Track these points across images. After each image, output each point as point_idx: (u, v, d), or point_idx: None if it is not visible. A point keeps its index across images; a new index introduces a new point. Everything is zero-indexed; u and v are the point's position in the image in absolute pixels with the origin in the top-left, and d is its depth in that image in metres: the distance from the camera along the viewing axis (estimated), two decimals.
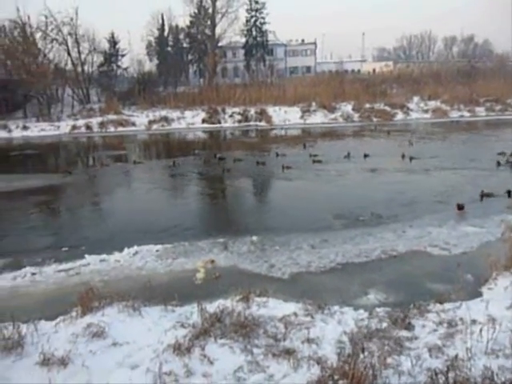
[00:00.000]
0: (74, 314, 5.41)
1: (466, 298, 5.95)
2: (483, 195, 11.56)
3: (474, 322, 5.04)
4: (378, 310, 5.72)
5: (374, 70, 57.27)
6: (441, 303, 5.73)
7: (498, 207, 10.75)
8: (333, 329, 5.13)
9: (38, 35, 39.80)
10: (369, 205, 11.32)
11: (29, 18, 38.51)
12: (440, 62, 59.99)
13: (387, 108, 34.42)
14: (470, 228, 9.42)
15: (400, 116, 33.85)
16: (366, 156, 17.99)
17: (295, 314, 5.44)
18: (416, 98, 36.77)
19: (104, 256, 8.33)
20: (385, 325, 5.18)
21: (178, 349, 4.49)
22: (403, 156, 17.42)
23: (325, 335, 4.93)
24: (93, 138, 30.57)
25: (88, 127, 32.62)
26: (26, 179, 16.72)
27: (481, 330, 4.50)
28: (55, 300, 6.61)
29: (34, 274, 7.73)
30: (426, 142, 22.49)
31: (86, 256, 8.34)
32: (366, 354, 4.23)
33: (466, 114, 34.15)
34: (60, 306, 6.08)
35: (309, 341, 4.77)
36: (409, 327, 5.09)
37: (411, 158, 17.01)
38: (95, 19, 71.31)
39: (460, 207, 10.53)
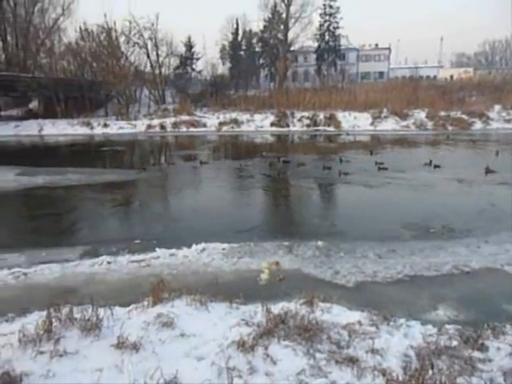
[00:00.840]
0: (145, 303, 5.73)
1: None
2: None
3: None
4: (447, 326, 5.47)
5: (451, 77, 54.55)
6: None
7: None
8: (398, 341, 4.98)
9: (121, 39, 42.53)
10: (437, 217, 10.83)
11: (114, 23, 41.27)
12: None
13: (464, 116, 32.71)
14: None
15: (478, 125, 32.02)
16: (436, 167, 17.20)
17: (359, 323, 5.35)
18: (497, 107, 34.53)
19: (173, 250, 8.69)
20: (455, 343, 4.95)
21: (243, 346, 4.60)
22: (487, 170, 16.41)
23: (390, 347, 4.81)
24: (166, 136, 32.01)
25: (162, 127, 34.20)
26: (105, 173, 17.90)
27: None
28: (128, 288, 7.01)
29: (109, 262, 8.25)
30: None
31: (157, 249, 8.75)
32: (435, 370, 4.08)
33: None
34: (132, 294, 6.47)
35: (373, 351, 4.68)
36: (482, 348, 4.82)
37: (488, 171, 15.97)
38: (174, 24, 74.49)
39: None
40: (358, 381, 4.14)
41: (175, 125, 34.29)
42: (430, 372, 4.00)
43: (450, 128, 31.17)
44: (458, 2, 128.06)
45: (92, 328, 4.89)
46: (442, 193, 13.81)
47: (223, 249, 8.87)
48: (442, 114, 33.07)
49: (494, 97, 36.83)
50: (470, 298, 6.77)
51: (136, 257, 8.53)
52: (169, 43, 44.91)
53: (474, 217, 10.96)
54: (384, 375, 4.13)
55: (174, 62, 46.74)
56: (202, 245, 9.01)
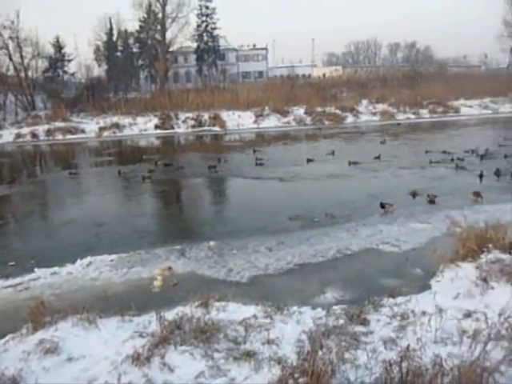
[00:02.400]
0: (24, 330, 5.18)
1: (416, 291, 6.26)
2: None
3: (423, 313, 5.30)
4: (334, 307, 5.87)
5: (324, 75, 58.55)
6: (393, 297, 5.96)
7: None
8: (292, 329, 5.21)
9: None
10: (318, 206, 11.57)
11: None
12: (386, 66, 62.25)
13: (338, 111, 35.38)
14: (418, 224, 9.88)
15: (350, 119, 34.89)
16: (309, 161, 18.09)
17: (255, 317, 5.48)
18: (365, 102, 37.97)
19: (55, 269, 8.02)
20: (342, 321, 5.33)
21: (137, 359, 4.41)
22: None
23: (284, 335, 5.01)
24: (39, 146, 29.36)
25: (34, 135, 31.30)
26: None
27: (429, 320, 4.73)
28: (3, 317, 6.29)
29: None
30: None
31: (36, 269, 8.00)
32: (324, 350, 4.34)
33: (412, 116, 35.72)
34: (8, 323, 5.80)
35: (269, 342, 4.83)
36: (364, 322, 5.27)
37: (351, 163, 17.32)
38: (38, 23, 68.33)
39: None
40: (255, 373, 4.23)
41: (49, 132, 31.57)
42: (320, 352, 4.24)
43: (326, 122, 33.49)
44: (327, 4, 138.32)
45: None
46: (316, 185, 14.79)
47: (111, 260, 8.43)
48: (319, 109, 35.37)
49: (361, 92, 40.44)
50: (353, 279, 7.37)
51: (11, 281, 7.69)
52: (34, 43, 41.09)
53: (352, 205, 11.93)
54: (279, 363, 4.27)
55: (43, 64, 42.93)
56: (88, 259, 8.46)
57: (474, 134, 26.14)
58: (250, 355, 4.55)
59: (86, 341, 4.89)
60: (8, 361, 4.43)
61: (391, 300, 5.89)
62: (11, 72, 39.97)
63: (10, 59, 39.63)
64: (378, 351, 4.51)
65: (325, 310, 5.79)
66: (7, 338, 5.14)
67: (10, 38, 39.43)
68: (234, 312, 5.69)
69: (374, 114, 36.04)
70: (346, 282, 7.19)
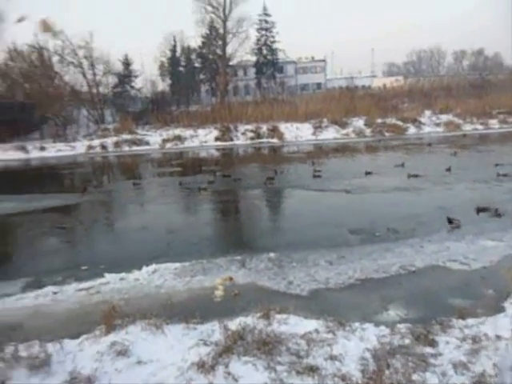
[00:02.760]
0: (97, 332, 5.49)
1: (488, 313, 5.91)
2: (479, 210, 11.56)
3: (498, 337, 5.00)
4: (399, 326, 5.69)
5: (384, 85, 57.38)
6: (463, 319, 5.68)
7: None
8: (355, 346, 5.11)
9: (54, 58, 40.97)
10: (379, 220, 11.28)
11: (46, 42, 39.72)
12: (451, 75, 59.95)
13: (399, 122, 34.47)
14: (488, 242, 9.34)
15: (412, 130, 33.85)
16: (367, 173, 17.66)
17: (317, 331, 5.44)
18: (428, 112, 36.73)
19: (123, 274, 8.42)
20: (407, 341, 5.15)
21: (203, 366, 4.53)
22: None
23: (347, 352, 4.92)
24: (108, 157, 31.10)
25: (103, 147, 33.22)
26: (45, 199, 17.02)
27: (506, 345, 4.45)
28: (77, 318, 6.69)
29: (55, 293, 7.84)
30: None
31: (106, 274, 8.44)
32: (391, 370, 4.21)
33: (479, 126, 34.01)
34: (83, 324, 6.18)
35: (332, 358, 4.77)
36: (432, 343, 5.06)
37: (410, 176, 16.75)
38: (110, 42, 73.04)
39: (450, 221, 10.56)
40: None
41: (117, 144, 33.41)
42: (387, 372, 4.13)
43: (386, 134, 32.72)
44: (385, 12, 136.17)
45: (41, 365, 4.61)
46: (378, 198, 14.42)
47: (175, 268, 8.71)
48: (379, 120, 34.66)
49: (423, 103, 39.18)
50: (418, 296, 7.09)
51: (84, 284, 8.16)
52: (105, 61, 43.86)
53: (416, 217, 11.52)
54: (344, 380, 4.21)
55: (112, 80, 45.68)
56: (153, 266, 8.80)
57: None
58: (313, 370, 4.52)
59: (154, 345, 5.10)
60: (84, 360, 4.71)
61: (461, 321, 5.62)
62: (85, 88, 42.83)
63: (84, 76, 42.51)
64: (448, 375, 4.32)
65: (389, 328, 5.62)
66: (81, 338, 5.46)
67: (85, 57, 42.37)
68: (296, 325, 5.68)
69: (438, 124, 34.72)
70: (411, 300, 6.93)
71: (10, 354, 4.78)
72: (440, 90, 44.13)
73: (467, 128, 33.80)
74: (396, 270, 8.17)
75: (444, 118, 35.57)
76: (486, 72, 55.28)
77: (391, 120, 34.79)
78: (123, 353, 4.88)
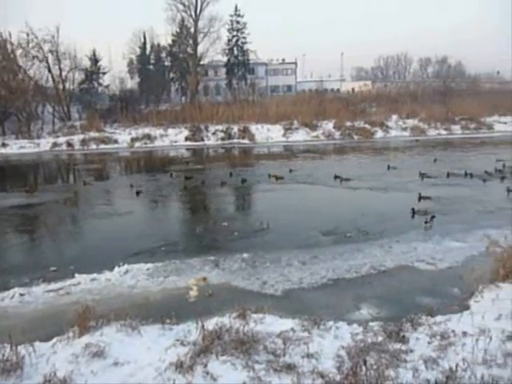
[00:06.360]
0: (71, 334, 5.37)
1: (455, 310, 6.17)
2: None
3: (464, 333, 5.23)
4: (371, 324, 5.85)
5: (353, 89, 58.54)
6: (432, 316, 5.90)
7: None
8: (330, 343, 5.23)
9: (18, 52, 39.49)
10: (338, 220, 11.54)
11: (10, 35, 38.26)
12: (416, 82, 61.73)
13: (367, 126, 35.22)
14: (454, 243, 9.72)
15: (380, 134, 34.67)
16: (336, 177, 17.51)
17: (292, 330, 5.52)
18: (394, 117, 37.70)
19: (95, 275, 8.27)
20: (380, 338, 5.31)
21: (181, 366, 4.52)
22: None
23: (323, 350, 5.02)
24: (74, 155, 30.30)
25: (69, 144, 32.34)
26: (8, 197, 16.43)
27: (476, 341, 4.66)
28: (48, 320, 6.53)
29: (22, 294, 7.61)
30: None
31: (76, 275, 8.27)
32: (365, 367, 4.34)
33: (443, 131, 35.23)
34: (54, 326, 6.05)
35: (308, 356, 4.86)
36: (404, 340, 5.23)
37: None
38: (77, 37, 71.10)
39: None
40: None
41: (84, 142, 32.58)
42: (362, 369, 4.25)
43: (355, 137, 33.40)
44: (355, 18, 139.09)
45: (13, 368, 4.48)
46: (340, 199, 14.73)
47: (148, 269, 8.62)
48: (348, 124, 35.31)
49: (391, 107, 40.16)
50: (388, 295, 7.32)
51: (53, 285, 7.96)
52: (72, 57, 42.66)
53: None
54: (323, 377, 4.30)
55: (79, 76, 44.47)
56: (125, 267, 8.68)
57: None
58: (290, 368, 4.59)
59: (130, 346, 5.04)
60: (58, 363, 4.61)
61: (430, 318, 5.84)
62: (50, 84, 41.50)
63: (49, 71, 41.20)
64: (419, 370, 4.48)
65: (362, 326, 5.77)
66: (54, 340, 5.33)
67: (50, 51, 41.07)
68: (272, 324, 5.75)
69: (405, 129, 35.73)
70: (381, 299, 7.14)
71: None
72: (406, 95, 45.33)
73: (432, 133, 34.94)
74: (367, 269, 8.39)
75: (410, 122, 36.61)
76: (449, 80, 57.28)
77: (360, 123, 35.52)
78: (99, 354, 4.80)
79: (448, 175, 17.15)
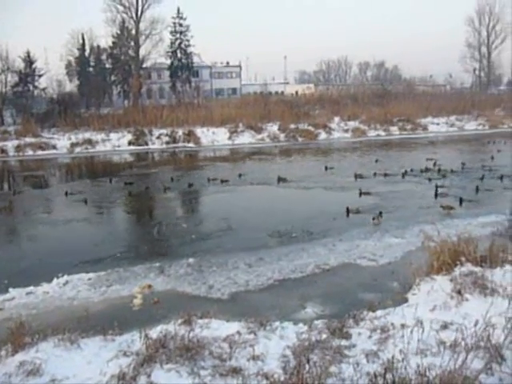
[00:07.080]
0: (3, 352, 5.04)
1: (394, 304, 6.44)
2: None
3: (403, 326, 5.45)
4: (316, 322, 5.97)
5: (296, 92, 59.68)
6: (373, 311, 6.12)
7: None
8: (276, 344, 5.27)
9: None
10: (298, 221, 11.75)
11: None
12: (356, 85, 64.01)
13: (311, 128, 35.98)
14: (393, 239, 10.16)
15: (323, 135, 35.53)
16: (279, 179, 17.57)
17: (238, 333, 5.51)
18: (337, 119, 38.81)
19: (31, 288, 7.85)
20: (324, 336, 5.43)
21: (123, 378, 4.37)
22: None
23: (269, 351, 5.06)
24: (8, 162, 28.57)
25: (2, 150, 30.38)
26: None
27: (410, 332, 4.88)
28: None
29: None
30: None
31: (10, 289, 7.80)
32: (309, 364, 4.41)
33: (382, 132, 36.69)
34: None
35: (254, 358, 4.87)
36: (346, 336, 5.38)
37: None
38: (8, 37, 67.20)
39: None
40: None
41: (19, 148, 30.74)
42: (306, 367, 4.32)
43: (300, 139, 34.02)
44: (298, 23, 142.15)
45: None
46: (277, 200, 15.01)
47: (89, 279, 8.31)
48: (292, 126, 35.89)
49: (333, 110, 41.34)
50: (332, 293, 7.52)
51: None
52: (4, 58, 40.32)
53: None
54: (266, 378, 4.32)
55: (12, 78, 42.04)
56: (65, 277, 8.32)
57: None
58: (236, 371, 4.58)
59: (69, 361, 4.81)
60: None
61: (371, 313, 6.04)
62: None
63: None
64: (361, 364, 4.63)
65: (307, 325, 5.87)
66: None
67: None
68: (218, 329, 5.71)
69: (346, 131, 36.83)
70: (326, 297, 7.33)
71: None
72: (347, 98, 46.89)
73: (372, 134, 36.31)
74: (311, 269, 8.57)
75: (351, 124, 37.83)
76: (387, 83, 59.93)
77: (303, 126, 36.22)
78: (34, 372, 4.53)
79: (385, 175, 17.90)
